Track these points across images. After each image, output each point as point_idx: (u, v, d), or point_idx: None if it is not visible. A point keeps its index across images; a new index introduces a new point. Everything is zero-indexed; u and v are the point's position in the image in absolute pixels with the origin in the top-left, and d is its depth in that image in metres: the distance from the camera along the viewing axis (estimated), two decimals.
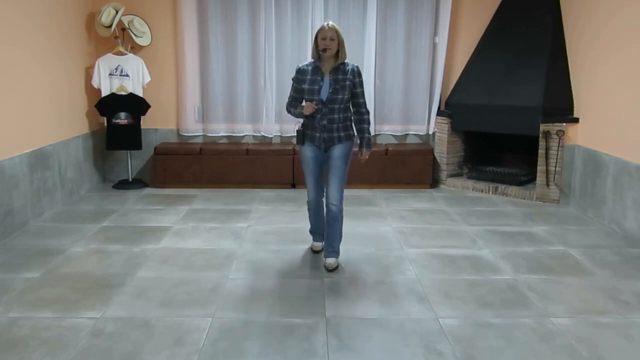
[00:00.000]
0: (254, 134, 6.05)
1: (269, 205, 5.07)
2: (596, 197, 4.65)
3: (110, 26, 5.32)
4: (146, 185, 5.79)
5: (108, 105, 5.43)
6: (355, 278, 3.34)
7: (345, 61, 3.42)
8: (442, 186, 5.90)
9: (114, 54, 5.46)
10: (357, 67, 3.43)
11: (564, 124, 5.06)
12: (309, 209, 3.72)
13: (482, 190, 5.60)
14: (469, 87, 5.67)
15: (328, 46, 3.28)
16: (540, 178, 5.23)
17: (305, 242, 4.00)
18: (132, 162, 5.88)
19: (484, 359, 2.43)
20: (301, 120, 3.50)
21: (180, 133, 6.01)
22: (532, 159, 5.54)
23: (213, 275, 3.35)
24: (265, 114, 5.95)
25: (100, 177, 5.90)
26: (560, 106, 5.12)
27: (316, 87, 3.36)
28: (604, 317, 2.84)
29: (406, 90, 5.96)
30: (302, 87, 3.42)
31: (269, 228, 4.35)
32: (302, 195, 5.33)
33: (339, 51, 3.34)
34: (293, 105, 3.50)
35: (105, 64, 5.41)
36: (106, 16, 5.28)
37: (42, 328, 2.68)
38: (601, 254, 3.81)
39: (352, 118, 3.51)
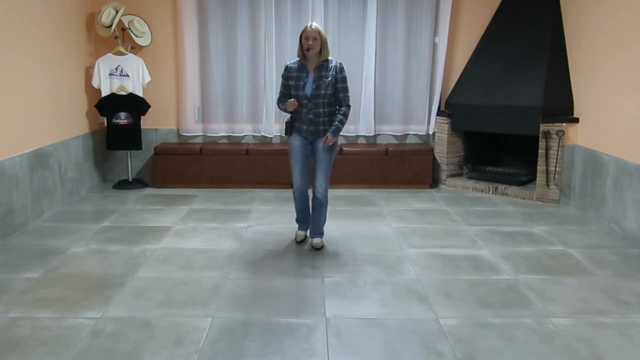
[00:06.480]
0: (254, 134, 6.05)
1: (269, 205, 5.07)
2: (596, 197, 4.65)
3: (110, 26, 5.32)
4: (146, 185, 5.78)
5: (108, 105, 5.43)
6: (355, 278, 3.34)
7: (329, 58, 3.70)
8: (442, 186, 5.89)
9: (114, 54, 5.46)
10: (340, 63, 3.71)
11: (564, 124, 5.06)
12: (294, 198, 3.92)
13: (482, 190, 5.60)
14: (469, 87, 5.67)
15: (311, 46, 3.58)
16: (540, 178, 5.23)
17: (305, 242, 4.00)
18: (132, 162, 5.87)
19: (484, 359, 2.44)
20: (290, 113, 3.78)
21: (180, 133, 6.01)
22: (532, 159, 5.54)
23: (213, 275, 3.36)
24: (265, 114, 5.95)
25: (100, 177, 5.90)
26: (560, 106, 5.12)
27: (301, 83, 3.66)
28: (604, 317, 2.84)
29: (406, 90, 5.96)
30: (289, 84, 3.70)
31: (269, 228, 4.35)
32: None
33: (322, 49, 3.62)
34: (282, 100, 3.78)
35: (105, 64, 5.40)
36: (106, 16, 5.28)
37: (42, 328, 2.68)
38: (601, 254, 3.81)
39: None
